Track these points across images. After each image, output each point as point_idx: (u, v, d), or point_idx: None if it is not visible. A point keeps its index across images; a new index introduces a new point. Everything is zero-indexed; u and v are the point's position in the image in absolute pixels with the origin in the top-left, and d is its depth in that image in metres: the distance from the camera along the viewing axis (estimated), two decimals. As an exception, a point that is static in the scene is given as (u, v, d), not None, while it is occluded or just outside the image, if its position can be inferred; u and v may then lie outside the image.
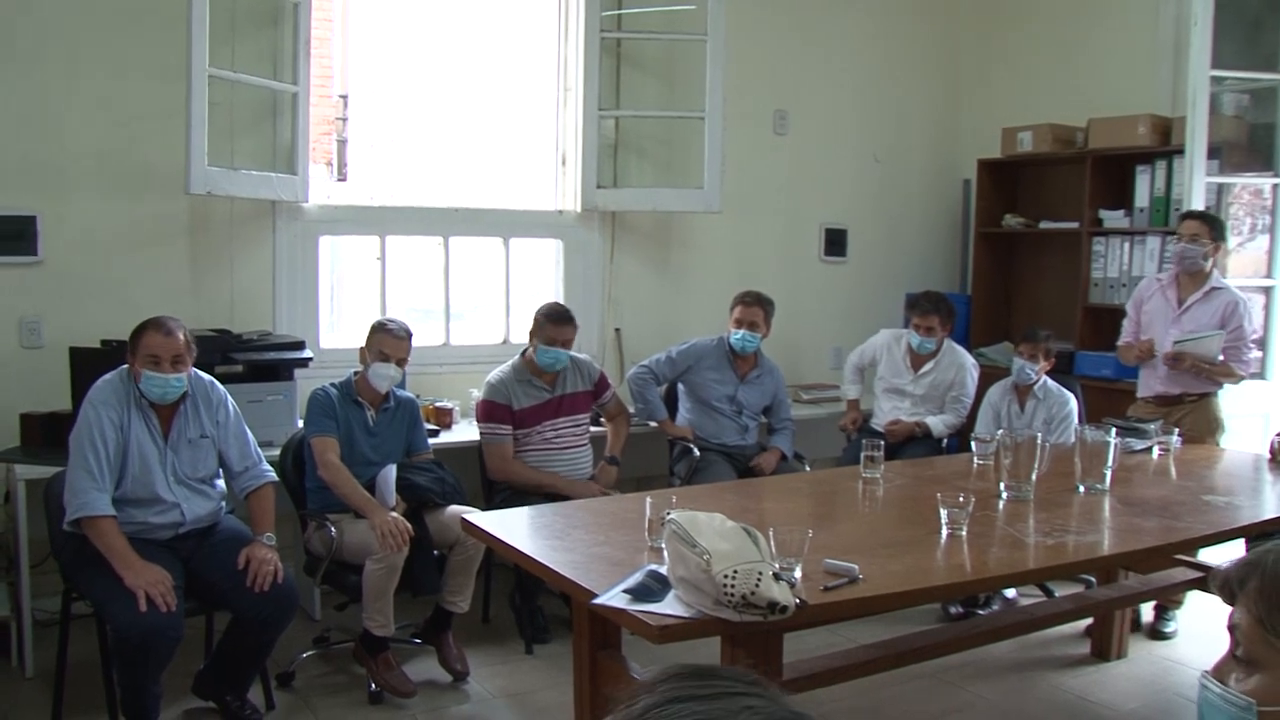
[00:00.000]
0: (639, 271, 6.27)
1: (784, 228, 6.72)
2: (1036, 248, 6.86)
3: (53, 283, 4.80)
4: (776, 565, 2.54)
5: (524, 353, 5.00)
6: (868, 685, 3.88)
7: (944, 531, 3.24)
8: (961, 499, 3.25)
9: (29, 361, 4.75)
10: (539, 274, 6.19)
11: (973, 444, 4.46)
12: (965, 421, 5.58)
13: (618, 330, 6.20)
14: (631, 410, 5.39)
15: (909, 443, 5.50)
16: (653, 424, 5.46)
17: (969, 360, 5.71)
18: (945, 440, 5.61)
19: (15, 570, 4.38)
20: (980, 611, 4.95)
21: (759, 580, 2.35)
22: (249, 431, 4.06)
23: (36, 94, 4.73)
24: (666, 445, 5.53)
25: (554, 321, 4.90)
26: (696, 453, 5.29)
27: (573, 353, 5.05)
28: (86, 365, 4.30)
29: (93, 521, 3.60)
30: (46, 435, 4.44)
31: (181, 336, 3.78)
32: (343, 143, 9.08)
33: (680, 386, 5.56)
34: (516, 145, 6.62)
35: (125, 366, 3.81)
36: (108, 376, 3.79)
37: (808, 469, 5.47)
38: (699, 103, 5.90)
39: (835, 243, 6.93)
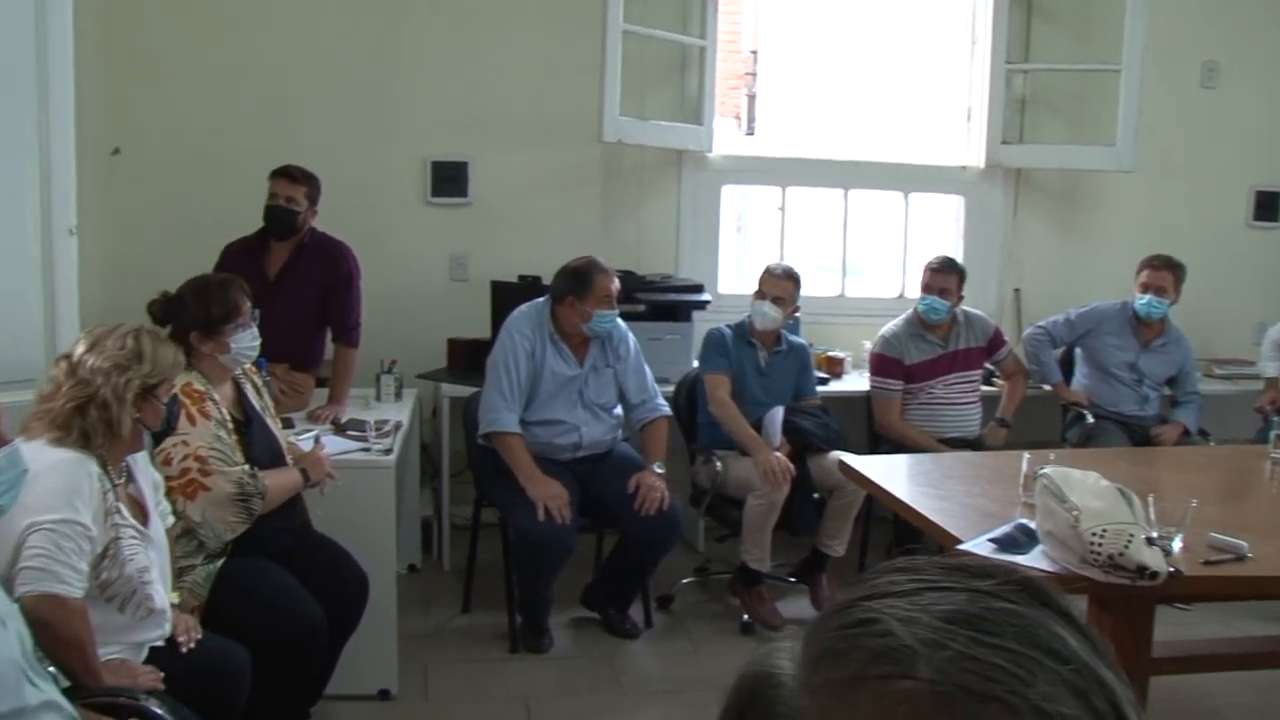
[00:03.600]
0: (1042, 231, 6.07)
1: (1205, 189, 6.26)
2: None
3: (479, 222, 5.32)
4: (1152, 531, 2.46)
5: (917, 307, 5.01)
6: (1266, 683, 3.63)
7: (1357, 519, 3.00)
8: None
9: (456, 293, 5.27)
10: (938, 230, 6.14)
11: None
12: None
13: (1016, 290, 6.04)
14: (1024, 371, 5.27)
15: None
16: (1046, 387, 5.31)
17: None
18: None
19: (438, 477, 4.92)
20: None
21: (1129, 542, 2.30)
22: (647, 367, 4.33)
23: (469, 52, 5.24)
24: (1059, 410, 5.36)
25: (931, 268, 4.92)
26: (1090, 419, 5.09)
27: (966, 308, 5.03)
28: (505, 297, 4.73)
29: (501, 437, 3.99)
30: (469, 359, 4.90)
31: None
32: (751, 98, 9.29)
33: (1078, 351, 5.36)
34: (921, 99, 6.55)
35: (542, 299, 4.18)
36: (524, 308, 4.18)
37: (1212, 445, 5.13)
38: (1115, 54, 5.61)
39: (1266, 207, 6.38)
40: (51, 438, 2.42)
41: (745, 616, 4.37)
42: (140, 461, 2.72)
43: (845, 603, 0.64)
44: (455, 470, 4.88)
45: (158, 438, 2.73)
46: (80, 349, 2.55)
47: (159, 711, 2.25)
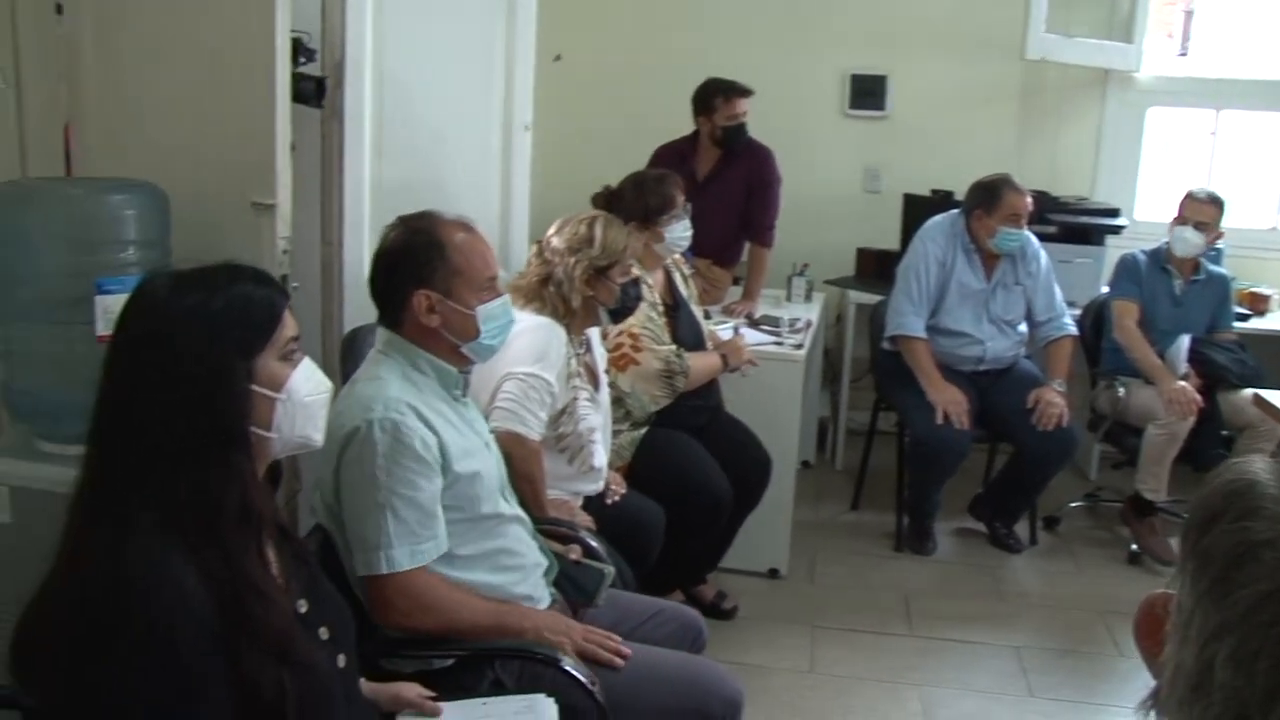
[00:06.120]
0: None
1: None
2: None
3: (894, 135, 5.42)
4: None
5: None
6: None
7: None
8: None
9: (868, 204, 5.42)
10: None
11: None
12: None
13: None
14: None
15: None
16: None
17: None
18: None
19: (837, 381, 5.14)
20: None
21: None
22: (1056, 286, 4.32)
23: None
24: None
25: None
26: None
27: None
28: (917, 210, 4.82)
29: (907, 341, 4.14)
30: (877, 268, 5.06)
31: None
32: (1189, 14, 8.71)
33: None
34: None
35: (956, 211, 4.26)
36: (938, 218, 4.28)
37: None
38: None
39: None
40: (530, 307, 2.80)
41: (1134, 546, 4.33)
42: (598, 336, 3.08)
43: None
44: (855, 377, 5.07)
45: (616, 316, 3.04)
46: (550, 231, 2.94)
47: (594, 543, 2.59)
